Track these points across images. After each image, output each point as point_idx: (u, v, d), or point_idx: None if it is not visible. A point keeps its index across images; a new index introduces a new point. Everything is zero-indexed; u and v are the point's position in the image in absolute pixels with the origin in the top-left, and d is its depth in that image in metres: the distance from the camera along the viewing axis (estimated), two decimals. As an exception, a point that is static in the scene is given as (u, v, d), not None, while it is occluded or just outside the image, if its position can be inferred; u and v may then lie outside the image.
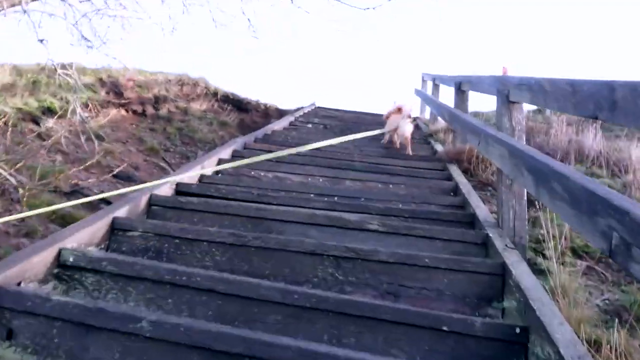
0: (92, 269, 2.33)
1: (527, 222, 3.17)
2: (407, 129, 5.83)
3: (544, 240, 3.41)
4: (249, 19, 8.59)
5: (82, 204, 4.72)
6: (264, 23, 8.90)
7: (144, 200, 3.15)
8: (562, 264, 2.93)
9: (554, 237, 3.27)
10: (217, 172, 4.38)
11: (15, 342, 1.98)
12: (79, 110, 5.51)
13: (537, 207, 3.53)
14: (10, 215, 2.63)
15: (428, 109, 10.00)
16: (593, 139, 5.33)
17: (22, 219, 3.54)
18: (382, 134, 6.28)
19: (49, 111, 6.79)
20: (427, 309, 2.46)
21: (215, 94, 10.81)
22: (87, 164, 5.20)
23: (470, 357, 2.12)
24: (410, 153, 5.87)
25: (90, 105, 7.48)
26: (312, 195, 3.96)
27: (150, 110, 9.14)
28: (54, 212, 4.19)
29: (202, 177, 4.05)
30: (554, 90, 2.53)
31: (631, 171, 4.76)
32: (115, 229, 2.77)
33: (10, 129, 5.32)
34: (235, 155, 4.94)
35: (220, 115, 10.26)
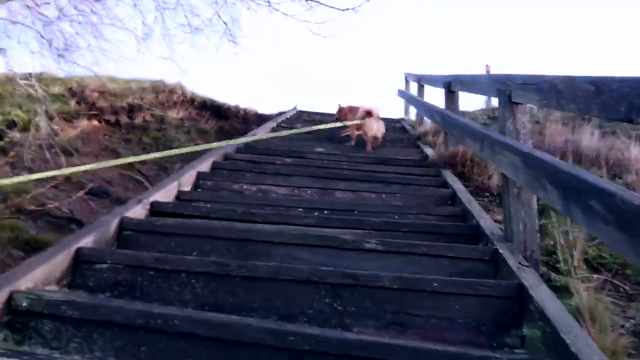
0: (50, 315, 1.98)
1: (538, 234, 2.90)
2: (378, 128, 6.19)
3: (554, 252, 3.16)
4: (225, 23, 8.29)
5: (49, 226, 4.38)
6: (242, 27, 8.57)
7: (113, 225, 2.80)
8: (582, 280, 2.67)
9: (564, 247, 3.02)
10: (196, 188, 4.04)
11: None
12: (43, 122, 5.10)
13: (543, 213, 3.29)
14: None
15: (412, 110, 9.75)
16: (590, 138, 5.11)
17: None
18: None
19: (14, 125, 6.37)
20: (439, 341, 2.19)
21: (192, 100, 10.42)
22: (55, 181, 4.82)
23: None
24: (369, 150, 6.08)
25: (59, 116, 7.06)
26: (300, 209, 3.65)
27: (124, 119, 8.72)
28: (17, 236, 3.82)
29: (180, 194, 3.71)
30: (570, 91, 2.26)
31: (633, 171, 4.54)
32: (80, 261, 2.42)
33: (-31, 145, 4.91)
34: (216, 168, 4.60)
35: (199, 123, 9.87)
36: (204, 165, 4.41)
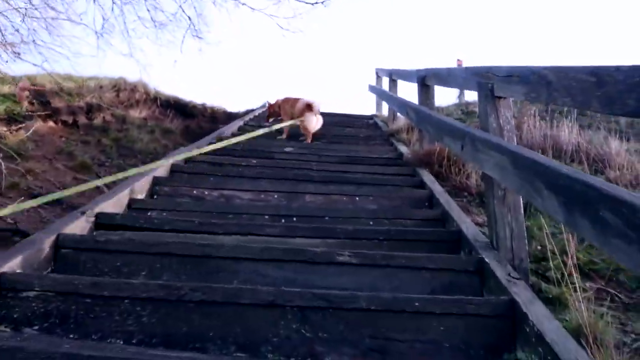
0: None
1: (526, 240, 2.65)
2: (317, 121, 6.29)
3: (543, 258, 2.92)
4: (189, 17, 7.89)
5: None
6: (207, 22, 8.20)
7: (48, 243, 2.43)
8: (575, 289, 2.42)
9: (554, 253, 2.78)
10: (152, 195, 3.68)
11: None
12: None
13: (526, 210, 3.04)
14: None
15: (385, 106, 9.50)
16: (569, 132, 4.92)
17: None
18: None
19: (-43, 127, 5.86)
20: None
21: (156, 99, 9.97)
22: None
23: None
24: (309, 142, 6.20)
25: (8, 117, 6.56)
26: (266, 216, 3.33)
27: (82, 120, 8.22)
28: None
29: (132, 202, 3.34)
30: (563, 82, 2.00)
31: (615, 167, 4.36)
32: (3, 289, 2.06)
33: None
34: (175, 171, 4.24)
35: (163, 122, 9.42)
36: (162, 169, 4.04)
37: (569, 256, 2.82)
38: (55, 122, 7.85)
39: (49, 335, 1.93)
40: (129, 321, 2.03)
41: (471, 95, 9.22)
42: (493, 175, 2.42)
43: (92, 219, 2.87)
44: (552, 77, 2.12)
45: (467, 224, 3.01)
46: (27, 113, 7.18)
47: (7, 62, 6.16)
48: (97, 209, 2.93)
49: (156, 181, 3.76)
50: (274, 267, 2.48)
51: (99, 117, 8.47)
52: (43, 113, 7.55)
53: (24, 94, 7.23)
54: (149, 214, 3.28)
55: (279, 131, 6.31)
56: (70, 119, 8.04)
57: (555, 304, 2.48)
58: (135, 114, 9.15)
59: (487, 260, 2.45)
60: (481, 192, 4.06)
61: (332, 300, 2.07)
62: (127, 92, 9.57)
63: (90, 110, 8.46)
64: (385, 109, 9.63)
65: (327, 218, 3.33)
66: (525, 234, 2.65)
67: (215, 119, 10.30)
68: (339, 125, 8.33)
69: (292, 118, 6.23)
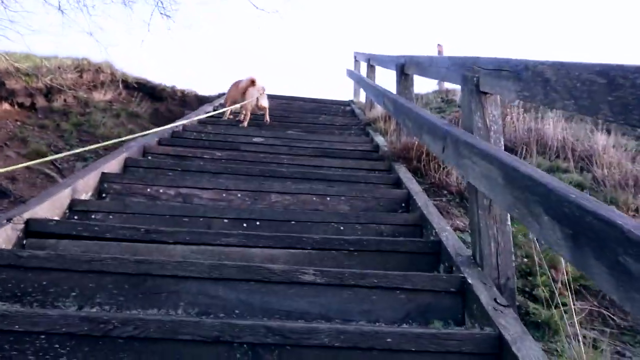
0: None
1: (513, 255, 2.36)
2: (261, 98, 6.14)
3: (530, 273, 2.65)
4: (156, -7, 7.39)
5: None
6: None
7: (-42, 260, 2.06)
8: (565, 311, 2.15)
9: (540, 266, 2.51)
10: (100, 194, 3.30)
11: None
12: None
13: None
14: None
15: (363, 92, 9.14)
16: (555, 126, 4.66)
17: None
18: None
19: None
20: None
21: (123, 81, 9.43)
22: None
23: None
24: (268, 121, 6.30)
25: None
26: (225, 220, 2.99)
27: (41, 102, 7.69)
28: None
29: (74, 204, 2.96)
30: (565, 82, 1.69)
31: (601, 164, 4.11)
32: None
33: None
34: (130, 166, 3.85)
35: (130, 106, 8.90)
36: (113, 163, 3.65)
37: (558, 271, 2.56)
38: (11, 105, 7.34)
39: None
40: (44, 362, 1.68)
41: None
42: (479, 188, 2.12)
43: (21, 226, 2.49)
44: (551, 74, 1.80)
45: (448, 233, 2.71)
46: (-23, 95, 6.65)
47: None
48: (28, 214, 2.54)
49: (105, 178, 3.37)
50: (226, 287, 2.14)
51: (59, 100, 7.94)
52: (-4, 95, 7.03)
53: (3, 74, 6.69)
54: (93, 216, 2.91)
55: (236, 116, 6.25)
56: (27, 102, 7.52)
57: (544, 329, 2.22)
58: (100, 96, 8.63)
59: (470, 280, 2.16)
60: (462, 190, 3.78)
61: (289, 336, 1.76)
62: (91, 73, 9.03)
63: (50, 92, 7.92)
64: (363, 96, 9.28)
65: (293, 222, 3.01)
66: (512, 248, 2.36)
67: (185, 102, 9.83)
68: (314, 112, 7.98)
69: (243, 100, 6.08)
